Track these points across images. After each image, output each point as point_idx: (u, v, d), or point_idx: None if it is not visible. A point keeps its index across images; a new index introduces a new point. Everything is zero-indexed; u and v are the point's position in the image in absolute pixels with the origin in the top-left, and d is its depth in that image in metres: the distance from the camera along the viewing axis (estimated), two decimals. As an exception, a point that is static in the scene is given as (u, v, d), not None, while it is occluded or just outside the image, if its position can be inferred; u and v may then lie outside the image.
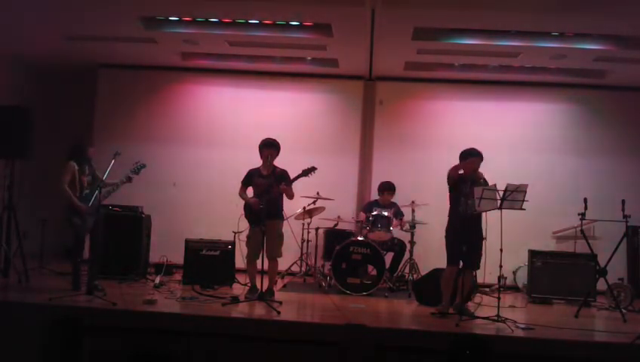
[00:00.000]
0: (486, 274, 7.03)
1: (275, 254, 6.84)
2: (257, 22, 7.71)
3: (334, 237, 8.14)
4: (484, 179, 6.40)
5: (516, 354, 5.29)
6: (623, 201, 6.98)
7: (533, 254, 7.95)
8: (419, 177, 8.72)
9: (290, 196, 6.90)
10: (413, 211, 8.14)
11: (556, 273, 7.79)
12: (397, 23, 7.22)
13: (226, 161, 9.01)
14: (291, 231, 7.49)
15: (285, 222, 7.09)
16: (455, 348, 5.08)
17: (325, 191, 8.30)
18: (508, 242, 6.06)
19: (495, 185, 6.17)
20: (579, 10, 6.58)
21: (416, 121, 9.41)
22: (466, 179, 6.46)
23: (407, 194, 8.44)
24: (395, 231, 8.15)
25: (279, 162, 7.00)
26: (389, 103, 9.49)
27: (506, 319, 5.88)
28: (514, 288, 8.50)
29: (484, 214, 6.39)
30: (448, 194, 6.57)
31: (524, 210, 6.12)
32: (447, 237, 6.55)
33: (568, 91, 9.29)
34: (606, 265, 7.08)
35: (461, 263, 6.47)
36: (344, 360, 5.22)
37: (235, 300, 6.54)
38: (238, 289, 7.48)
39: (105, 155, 6.81)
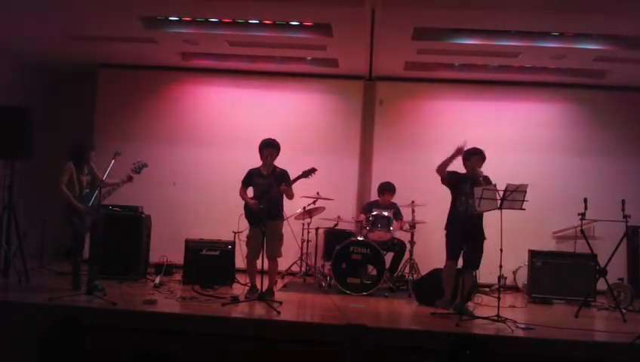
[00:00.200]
0: (486, 274, 7.07)
1: (275, 254, 6.84)
2: (257, 22, 7.71)
3: (334, 237, 8.14)
4: (485, 177, 6.40)
5: (516, 354, 5.28)
6: (623, 201, 6.98)
7: (533, 254, 7.95)
8: (419, 177, 8.69)
9: (290, 196, 6.90)
10: (413, 211, 8.14)
11: (556, 273, 7.80)
12: (397, 23, 7.22)
13: (226, 161, 9.01)
14: (291, 231, 7.50)
15: (285, 222, 7.10)
16: (455, 348, 5.07)
17: (325, 191, 8.30)
18: (508, 242, 6.06)
19: (495, 185, 6.18)
20: (579, 10, 6.58)
21: (416, 121, 9.40)
22: (466, 178, 6.47)
23: (407, 194, 8.45)
24: (395, 231, 8.15)
25: (279, 162, 7.00)
26: (389, 103, 9.49)
27: (506, 319, 5.88)
28: (514, 288, 8.50)
29: (484, 214, 6.39)
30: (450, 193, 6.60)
31: (524, 210, 6.12)
32: (447, 235, 6.56)
33: (568, 91, 9.29)
34: (606, 265, 7.08)
35: (461, 262, 6.48)
36: (344, 360, 5.21)
37: (235, 300, 6.54)
38: (238, 289, 7.48)
39: (105, 155, 6.81)
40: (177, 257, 8.01)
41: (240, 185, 7.05)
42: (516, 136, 9.20)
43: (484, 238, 6.50)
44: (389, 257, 8.17)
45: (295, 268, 8.69)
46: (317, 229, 8.53)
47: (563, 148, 9.20)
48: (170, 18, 7.76)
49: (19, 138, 7.31)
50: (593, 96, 9.24)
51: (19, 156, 7.47)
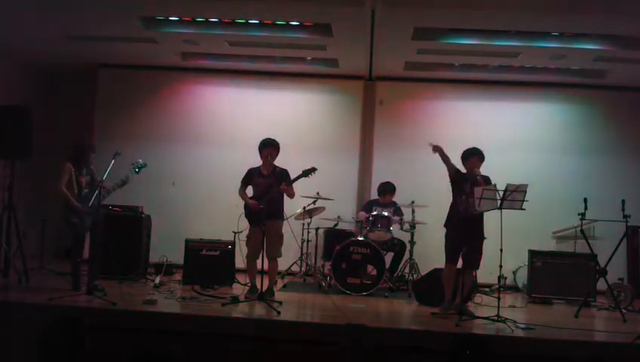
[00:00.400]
0: (486, 274, 7.06)
1: (274, 254, 6.84)
2: (257, 22, 7.71)
3: (334, 237, 8.14)
4: (484, 178, 6.40)
5: (516, 354, 5.28)
6: (623, 201, 6.98)
7: (533, 254, 7.95)
8: (419, 177, 8.71)
9: (292, 195, 6.91)
10: (413, 211, 8.14)
11: (556, 273, 7.79)
12: (397, 23, 7.22)
13: (226, 161, 9.01)
14: (291, 231, 7.50)
15: (285, 222, 7.10)
16: (455, 348, 5.07)
17: (325, 191, 8.30)
18: (508, 242, 6.06)
19: (495, 185, 6.18)
20: (579, 10, 6.58)
21: (416, 121, 9.40)
22: (467, 178, 6.47)
23: (407, 194, 8.44)
24: (395, 231, 8.14)
25: (279, 162, 7.00)
26: (389, 103, 9.49)
27: (506, 319, 5.88)
28: (514, 288, 8.50)
29: (484, 214, 6.39)
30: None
31: (524, 210, 6.12)
32: (446, 235, 6.56)
33: (568, 91, 9.29)
34: (606, 265, 7.08)
35: (460, 263, 6.48)
36: (344, 360, 5.21)
37: (235, 300, 6.54)
38: (238, 289, 7.48)
39: (105, 155, 6.80)
40: (177, 257, 8.01)
41: (240, 184, 7.05)
42: (516, 136, 9.19)
43: (484, 238, 6.50)
44: (389, 257, 8.17)
45: (295, 268, 8.69)
46: (317, 229, 8.53)
47: (563, 148, 9.20)
48: (170, 18, 7.77)
49: (19, 138, 7.30)
50: (593, 96, 9.25)
51: (19, 156, 7.46)
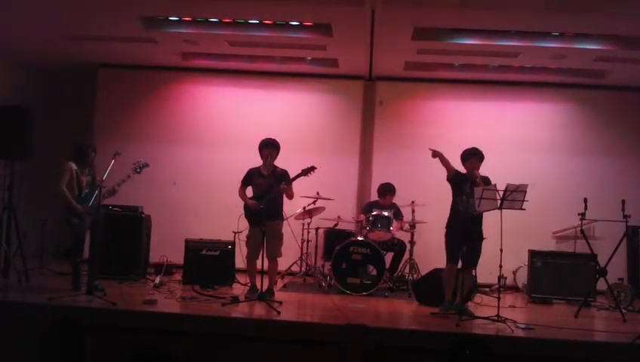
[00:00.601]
0: (486, 274, 7.06)
1: (274, 254, 6.84)
2: (257, 22, 7.71)
3: (334, 237, 8.14)
4: (484, 178, 6.40)
5: (516, 354, 5.28)
6: (623, 201, 6.98)
7: (533, 254, 7.95)
8: (419, 177, 8.71)
9: (290, 196, 6.90)
10: (413, 211, 8.14)
11: (556, 273, 7.80)
12: (397, 22, 7.22)
13: (226, 161, 9.01)
14: (291, 231, 7.50)
15: (285, 222, 7.10)
16: (455, 348, 5.08)
17: (325, 191, 8.30)
18: (508, 242, 6.06)
19: (495, 185, 6.18)
20: (579, 10, 6.58)
21: (416, 121, 9.40)
22: (467, 178, 6.47)
23: (407, 194, 8.44)
24: (395, 232, 8.14)
25: (279, 162, 7.00)
26: (389, 103, 9.49)
27: (506, 319, 5.88)
28: (514, 288, 8.50)
29: (484, 214, 6.39)
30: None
31: (524, 210, 6.12)
32: (446, 235, 6.56)
33: (568, 91, 9.29)
34: (606, 265, 7.08)
35: (460, 263, 6.48)
36: (344, 360, 5.22)
37: (235, 300, 6.54)
38: (238, 289, 7.48)
39: (105, 155, 6.80)
40: (177, 257, 8.01)
41: (240, 184, 7.05)
42: (516, 136, 9.20)
43: (484, 238, 6.50)
44: (389, 257, 8.17)
45: (295, 268, 8.69)
46: (317, 229, 8.53)
47: (563, 148, 9.20)
48: (170, 18, 7.77)
49: (19, 138, 7.30)
50: (593, 96, 9.25)
51: (19, 156, 7.46)
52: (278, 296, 6.90)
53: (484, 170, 6.54)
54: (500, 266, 6.16)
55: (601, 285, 7.33)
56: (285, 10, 7.19)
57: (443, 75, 9.24)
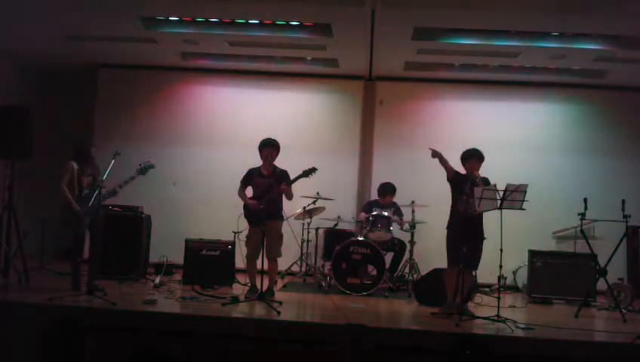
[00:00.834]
0: (486, 274, 7.06)
1: (274, 254, 6.84)
2: (257, 22, 7.71)
3: (334, 237, 8.14)
4: (481, 178, 6.40)
5: (516, 354, 5.28)
6: (623, 201, 6.97)
7: (533, 254, 7.95)
8: (419, 177, 8.71)
9: (290, 197, 6.90)
10: (413, 211, 8.14)
11: (556, 273, 7.79)
12: (397, 22, 7.22)
13: (226, 161, 9.01)
14: (291, 231, 7.50)
15: (285, 222, 7.10)
16: (455, 348, 5.07)
17: (325, 191, 8.30)
18: (508, 242, 6.06)
19: (495, 185, 6.18)
20: (579, 10, 6.58)
21: (416, 121, 9.40)
22: (466, 178, 6.47)
23: (407, 194, 8.44)
24: (395, 231, 8.14)
25: (279, 162, 7.00)
26: (389, 103, 9.49)
27: (506, 319, 5.88)
28: (514, 288, 8.50)
29: (484, 214, 6.39)
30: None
31: (524, 210, 6.12)
32: (447, 236, 6.56)
33: (568, 91, 9.30)
34: (606, 265, 7.07)
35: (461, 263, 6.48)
36: (344, 360, 5.21)
37: (235, 300, 6.54)
38: (238, 289, 7.48)
39: (105, 155, 6.79)
40: (177, 257, 8.01)
41: (239, 184, 7.05)
42: (516, 136, 9.20)
43: (484, 238, 6.50)
44: (389, 257, 8.17)
45: (295, 268, 8.69)
46: (317, 229, 8.53)
47: (563, 148, 9.21)
48: (170, 18, 7.77)
49: (19, 138, 7.29)
50: (593, 96, 9.25)
51: (19, 156, 7.46)
52: (278, 296, 6.90)
53: (484, 171, 6.54)
54: (500, 266, 6.16)
55: (601, 285, 7.33)
56: (285, 10, 7.19)
57: (443, 75, 9.24)
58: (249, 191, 7.05)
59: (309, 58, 9.04)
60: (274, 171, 6.90)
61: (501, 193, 6.01)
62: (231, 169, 7.66)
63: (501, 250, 6.09)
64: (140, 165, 6.87)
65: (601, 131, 9.20)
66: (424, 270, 7.70)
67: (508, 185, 6.04)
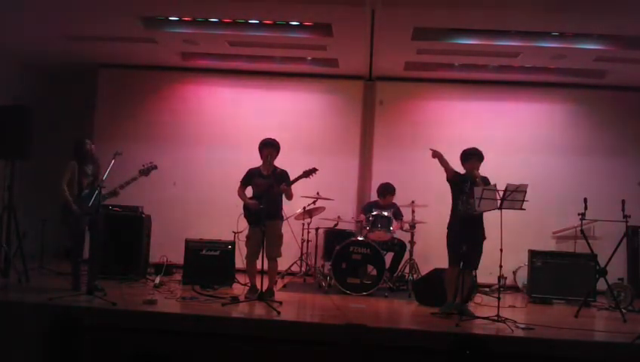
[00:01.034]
0: (486, 274, 7.06)
1: (274, 254, 6.84)
2: (257, 22, 7.71)
3: (334, 237, 8.14)
4: (481, 178, 6.40)
5: (516, 354, 5.28)
6: (623, 201, 6.97)
7: (533, 254, 7.95)
8: (419, 177, 8.70)
9: (290, 197, 6.90)
10: (413, 211, 8.14)
11: (556, 273, 7.79)
12: (397, 23, 7.22)
13: (226, 161, 9.01)
14: (291, 231, 7.51)
15: (285, 222, 7.11)
16: (455, 348, 5.08)
17: (325, 191, 8.30)
18: (508, 242, 6.06)
19: (495, 185, 6.18)
20: (579, 10, 6.58)
21: (416, 121, 9.40)
22: (466, 178, 6.47)
23: (407, 194, 8.44)
24: (395, 231, 8.14)
25: (279, 162, 7.00)
26: (389, 103, 9.49)
27: (506, 319, 5.88)
28: (514, 288, 8.50)
29: (484, 214, 6.39)
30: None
31: (524, 210, 6.12)
32: (448, 237, 6.56)
33: (568, 91, 9.29)
34: (606, 265, 7.07)
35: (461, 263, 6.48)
36: (344, 360, 5.22)
37: (235, 300, 6.54)
38: (238, 289, 7.48)
39: (105, 155, 6.79)
40: (177, 257, 8.01)
41: (239, 184, 7.05)
42: (516, 136, 9.20)
43: (484, 238, 6.50)
44: (389, 257, 8.17)
45: (295, 268, 8.69)
46: (317, 229, 8.53)
47: (563, 148, 9.20)
48: (170, 18, 7.76)
49: (19, 138, 7.30)
50: (593, 96, 9.25)
51: (19, 156, 7.46)
52: (278, 296, 6.90)
53: (483, 170, 6.54)
54: (500, 266, 6.17)
55: (601, 285, 7.32)
56: (285, 10, 7.19)
57: (443, 75, 9.24)
58: (249, 192, 7.05)
59: (309, 58, 9.04)
60: (274, 171, 6.90)
61: (501, 193, 6.02)
62: (231, 169, 7.65)
63: (501, 250, 6.09)
64: (142, 166, 6.85)
65: (601, 131, 9.20)
66: (424, 270, 7.71)
67: (508, 185, 6.04)
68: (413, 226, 8.08)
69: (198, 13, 7.56)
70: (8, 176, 7.49)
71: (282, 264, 7.69)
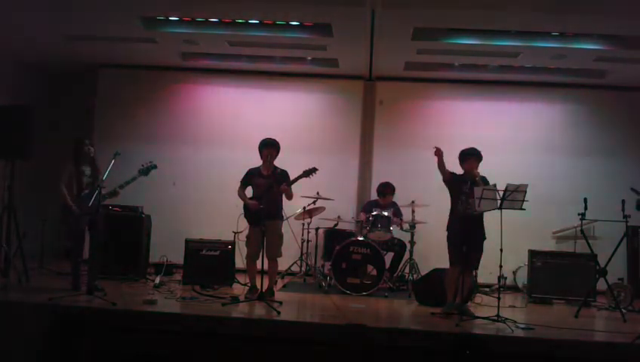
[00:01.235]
0: (486, 274, 7.07)
1: (274, 254, 6.84)
2: (257, 22, 7.71)
3: (334, 237, 8.14)
4: (480, 177, 6.40)
5: (516, 354, 5.28)
6: (623, 201, 6.98)
7: (533, 254, 7.94)
8: (419, 177, 8.70)
9: (290, 197, 6.90)
10: (413, 211, 8.14)
11: (556, 273, 7.79)
12: (397, 22, 7.22)
13: (226, 161, 9.01)
14: (291, 231, 7.50)
15: (285, 222, 7.11)
16: (455, 348, 5.08)
17: (325, 191, 8.30)
18: (508, 242, 6.06)
19: (495, 185, 6.18)
20: (579, 10, 6.58)
21: (416, 121, 9.41)
22: (465, 178, 6.47)
23: (407, 194, 8.45)
24: (395, 231, 8.14)
25: (279, 162, 7.00)
26: (389, 103, 9.49)
27: (506, 319, 5.88)
28: (514, 288, 8.50)
29: (484, 214, 6.39)
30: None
31: (524, 210, 6.12)
32: (448, 237, 6.56)
33: (568, 91, 9.30)
34: (606, 265, 7.07)
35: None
36: (344, 360, 5.22)
37: (235, 300, 6.55)
38: (238, 289, 7.48)
39: (105, 155, 6.78)
40: (177, 257, 8.01)
41: (239, 184, 7.05)
42: (516, 136, 9.20)
43: (485, 238, 6.50)
44: (389, 257, 8.17)
45: (295, 268, 8.69)
46: (317, 229, 8.53)
47: (563, 148, 9.21)
48: (170, 18, 7.76)
49: (19, 138, 7.29)
50: (593, 96, 9.25)
51: (19, 156, 7.45)
52: (278, 296, 6.91)
53: (483, 170, 6.54)
54: (500, 266, 6.17)
55: (601, 285, 7.32)
56: (285, 10, 7.19)
57: (443, 75, 9.24)
58: (249, 192, 7.05)
59: (309, 58, 9.04)
60: (274, 171, 6.90)
61: (501, 193, 6.01)
62: (231, 169, 7.66)
63: (501, 250, 6.09)
64: (142, 165, 6.83)
65: (601, 131, 9.20)
66: (424, 270, 7.71)
67: (508, 185, 6.04)
68: (413, 226, 8.07)
69: (198, 13, 7.56)
70: (8, 176, 7.47)
71: (282, 264, 7.69)
